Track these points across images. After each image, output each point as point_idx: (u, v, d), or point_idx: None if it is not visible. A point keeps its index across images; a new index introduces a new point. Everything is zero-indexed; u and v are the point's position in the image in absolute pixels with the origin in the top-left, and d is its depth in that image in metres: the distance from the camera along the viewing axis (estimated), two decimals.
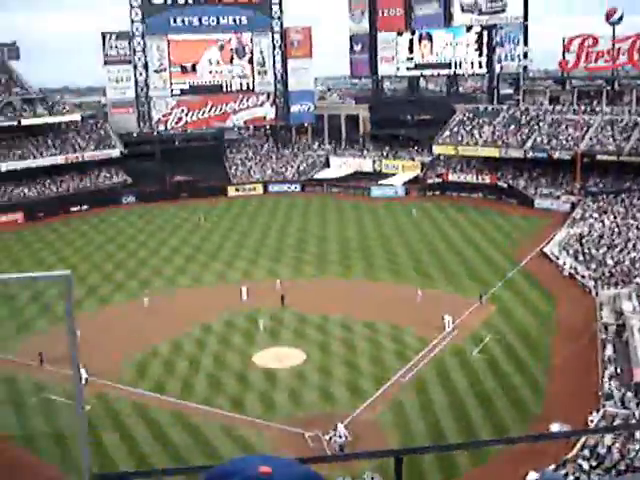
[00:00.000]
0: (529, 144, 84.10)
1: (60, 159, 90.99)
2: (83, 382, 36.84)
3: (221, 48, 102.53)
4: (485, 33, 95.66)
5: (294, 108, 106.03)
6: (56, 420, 35.12)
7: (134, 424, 35.58)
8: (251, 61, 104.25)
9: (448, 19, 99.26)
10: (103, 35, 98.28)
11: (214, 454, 32.04)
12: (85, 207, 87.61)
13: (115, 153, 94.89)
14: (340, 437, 32.58)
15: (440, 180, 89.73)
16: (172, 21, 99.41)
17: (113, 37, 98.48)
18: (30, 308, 50.86)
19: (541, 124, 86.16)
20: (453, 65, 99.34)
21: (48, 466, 31.01)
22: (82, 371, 34.38)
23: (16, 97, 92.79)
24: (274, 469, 1.95)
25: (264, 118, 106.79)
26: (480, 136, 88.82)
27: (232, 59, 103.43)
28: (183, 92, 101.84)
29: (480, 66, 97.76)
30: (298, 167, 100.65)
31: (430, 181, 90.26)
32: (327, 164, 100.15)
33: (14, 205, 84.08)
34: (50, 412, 36.24)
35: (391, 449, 3.26)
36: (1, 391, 39.27)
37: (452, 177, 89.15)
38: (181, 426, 35.24)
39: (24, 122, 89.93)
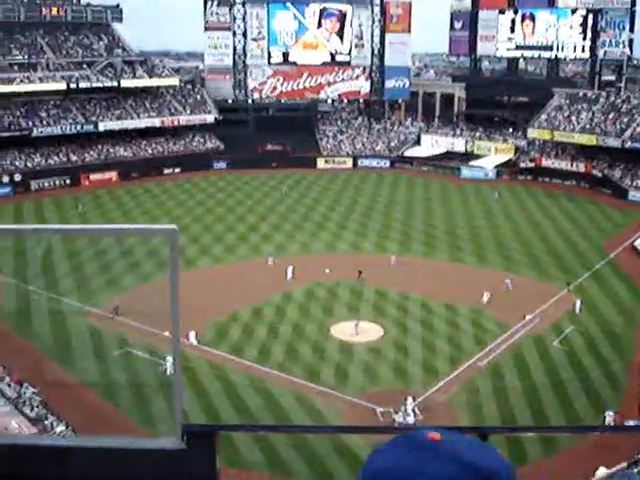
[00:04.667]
0: (628, 134, 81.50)
1: (156, 122, 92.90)
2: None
3: (320, 19, 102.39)
4: (590, 16, 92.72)
5: (389, 83, 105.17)
6: (138, 375, 36.37)
7: (210, 383, 36.47)
8: (350, 34, 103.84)
9: (553, 0, 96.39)
10: (205, 1, 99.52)
11: (284, 419, 32.62)
12: (177, 170, 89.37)
13: (210, 119, 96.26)
14: (408, 415, 32.57)
15: (533, 165, 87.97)
16: None
17: (214, 3, 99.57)
18: (119, 264, 52.67)
19: None
20: (555, 48, 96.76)
21: (129, 420, 32.11)
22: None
23: (117, 59, 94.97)
24: (442, 435, 1.97)
25: (358, 92, 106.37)
26: (577, 122, 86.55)
27: (330, 31, 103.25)
28: (280, 62, 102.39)
29: (583, 50, 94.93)
30: (389, 143, 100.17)
31: (523, 165, 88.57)
32: (418, 142, 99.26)
33: (110, 164, 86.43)
34: (132, 367, 37.55)
35: (477, 425, 3.28)
36: (86, 342, 40.73)
37: (545, 162, 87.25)
38: (255, 390, 35.95)
39: (124, 83, 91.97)
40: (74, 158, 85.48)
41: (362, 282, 50.52)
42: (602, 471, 22.65)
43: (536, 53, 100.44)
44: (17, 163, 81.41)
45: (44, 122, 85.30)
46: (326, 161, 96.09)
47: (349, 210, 73.58)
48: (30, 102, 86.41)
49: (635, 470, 23.93)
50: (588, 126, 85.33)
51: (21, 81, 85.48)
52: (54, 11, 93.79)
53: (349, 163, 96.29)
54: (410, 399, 33.28)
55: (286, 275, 51.36)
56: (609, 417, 31.49)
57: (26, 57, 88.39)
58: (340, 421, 32.84)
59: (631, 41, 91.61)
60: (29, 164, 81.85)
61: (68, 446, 3.08)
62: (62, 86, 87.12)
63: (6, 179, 78.51)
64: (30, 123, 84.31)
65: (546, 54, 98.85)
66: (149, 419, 30.03)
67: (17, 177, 79.11)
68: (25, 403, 32.40)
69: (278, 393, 35.67)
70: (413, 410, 32.86)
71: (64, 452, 2.99)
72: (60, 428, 30.85)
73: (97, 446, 3.04)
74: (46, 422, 31.33)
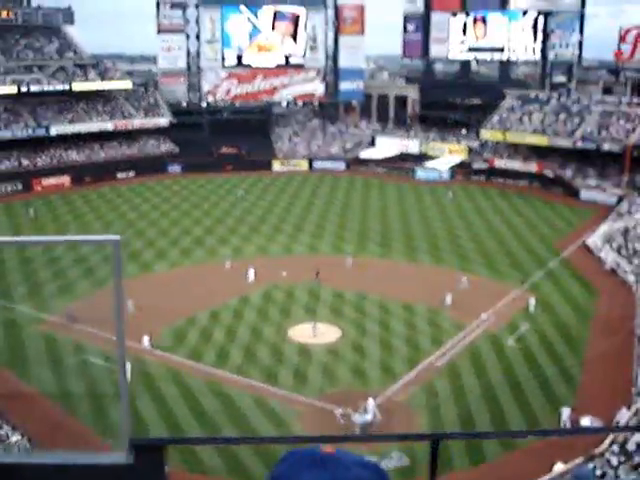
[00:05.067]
0: (578, 134, 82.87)
1: (109, 125, 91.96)
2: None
3: (274, 22, 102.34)
4: (541, 18, 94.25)
5: (343, 85, 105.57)
6: (94, 382, 35.89)
7: (167, 388, 36.19)
8: (303, 36, 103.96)
9: (504, 2, 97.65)
10: (157, 3, 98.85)
11: (244, 424, 32.51)
12: (131, 174, 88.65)
13: (164, 122, 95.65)
14: (367, 414, 32.59)
15: (486, 165, 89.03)
16: None
17: (167, 6, 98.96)
18: (73, 271, 52.11)
19: (592, 114, 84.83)
20: (506, 50, 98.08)
21: (86, 428, 31.69)
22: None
23: (69, 62, 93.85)
24: (336, 451, 2.06)
25: (313, 94, 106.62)
26: (529, 123, 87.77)
27: (284, 33, 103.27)
28: (234, 64, 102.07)
29: (534, 52, 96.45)
30: (344, 145, 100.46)
31: (476, 166, 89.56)
32: (373, 143, 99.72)
33: (62, 169, 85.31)
34: (88, 374, 37.04)
35: (428, 433, 3.29)
36: (41, 349, 40.15)
37: (498, 163, 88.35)
38: (213, 393, 35.77)
39: (75, 87, 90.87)
40: (26, 163, 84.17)
41: (319, 283, 50.58)
42: (559, 467, 23.02)
43: (488, 55, 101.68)
44: None
45: None
46: (282, 163, 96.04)
47: (305, 212, 73.67)
48: None
49: (591, 465, 24.36)
50: (539, 127, 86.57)
51: None
52: (4, 14, 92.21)
53: (305, 165, 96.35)
54: (371, 399, 33.39)
55: (247, 277, 51.25)
56: (565, 413, 31.97)
57: None
58: (299, 423, 32.83)
59: (580, 43, 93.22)
60: None
61: (15, 463, 3.02)
62: (13, 90, 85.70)
63: None
64: None
65: (498, 56, 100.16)
66: (106, 429, 29.64)
67: None
68: None
69: (237, 396, 35.53)
70: (374, 411, 32.96)
71: (11, 469, 2.94)
72: (15, 438, 30.35)
73: (45, 462, 2.98)
74: (1, 432, 30.79)
